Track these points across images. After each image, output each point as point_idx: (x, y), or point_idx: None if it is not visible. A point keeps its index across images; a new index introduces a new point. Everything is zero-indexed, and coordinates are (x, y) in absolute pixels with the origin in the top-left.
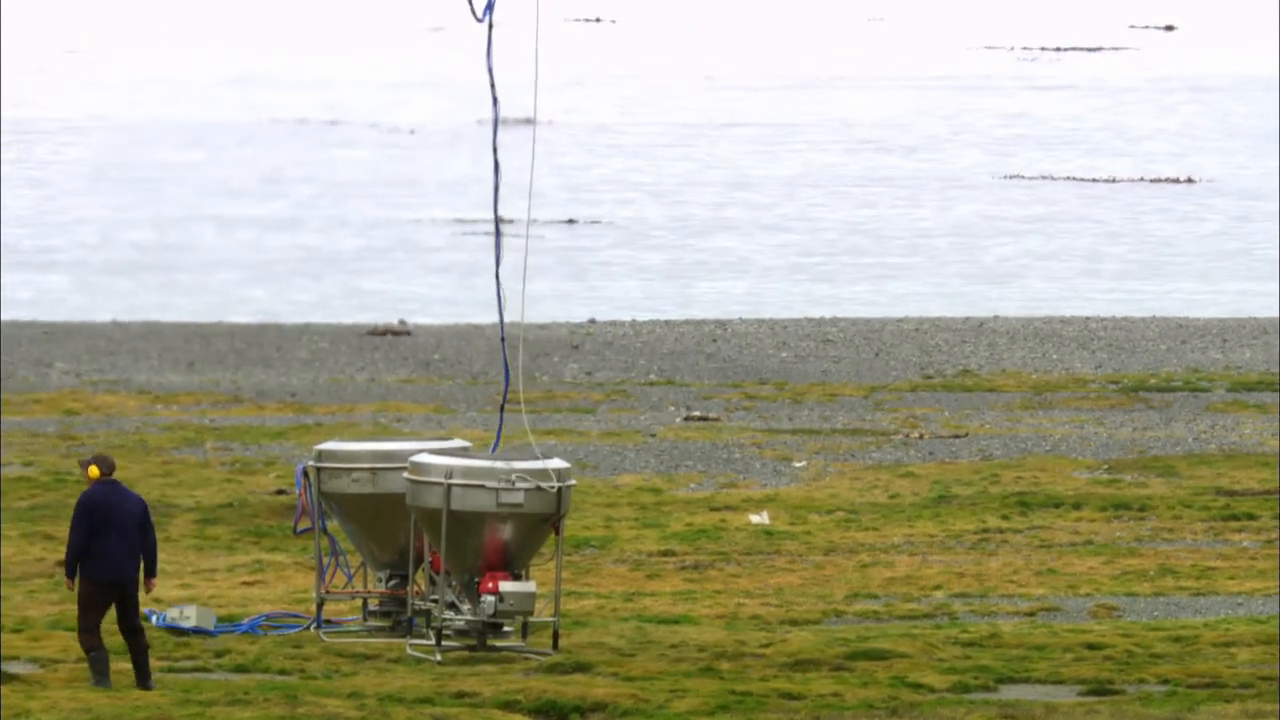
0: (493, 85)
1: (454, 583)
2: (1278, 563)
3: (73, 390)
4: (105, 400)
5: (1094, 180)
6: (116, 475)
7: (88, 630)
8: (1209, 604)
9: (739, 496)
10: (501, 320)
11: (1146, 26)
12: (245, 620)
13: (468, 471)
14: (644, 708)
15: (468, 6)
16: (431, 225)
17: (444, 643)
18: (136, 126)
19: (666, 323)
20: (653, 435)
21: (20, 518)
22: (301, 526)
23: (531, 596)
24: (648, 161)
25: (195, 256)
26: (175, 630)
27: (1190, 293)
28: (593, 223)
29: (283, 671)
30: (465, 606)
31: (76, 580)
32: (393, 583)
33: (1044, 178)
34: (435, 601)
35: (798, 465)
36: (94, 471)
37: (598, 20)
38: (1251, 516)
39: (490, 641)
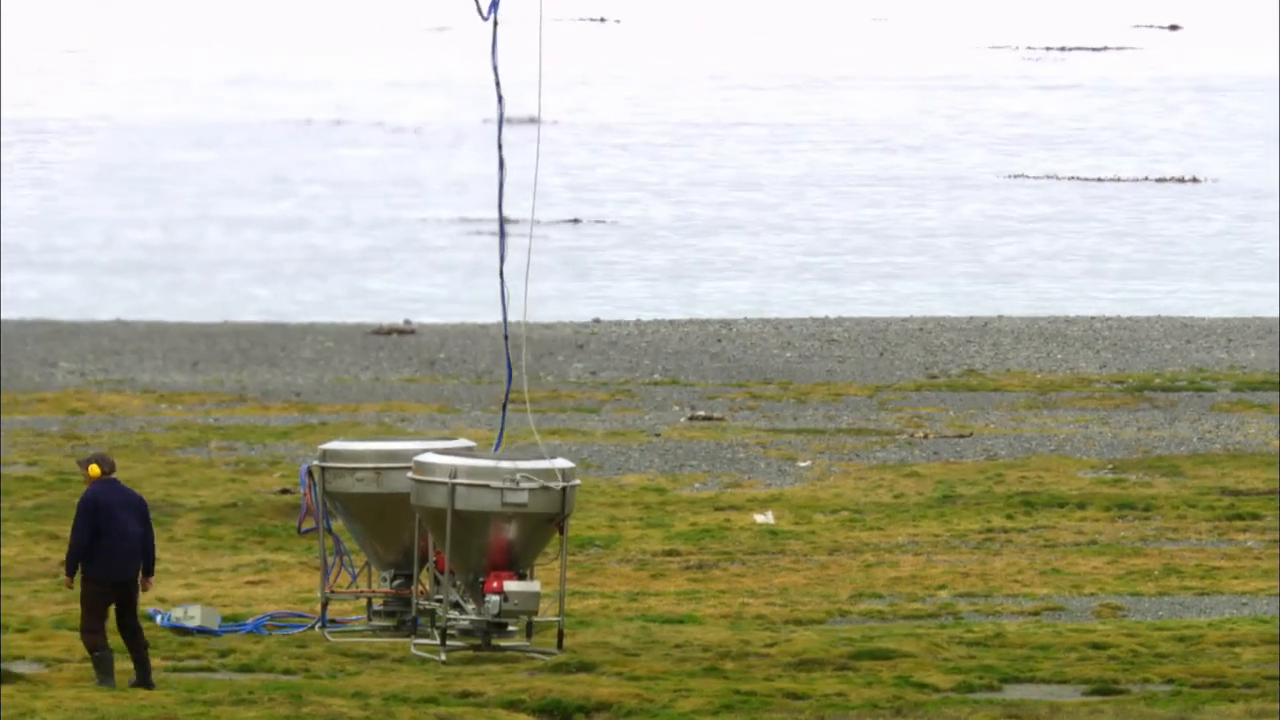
0: (498, 84)
1: (458, 582)
2: None
3: (77, 390)
4: (110, 400)
5: (1099, 180)
6: (118, 474)
7: (92, 630)
8: (1213, 604)
9: (743, 496)
10: (505, 320)
11: (1151, 26)
12: (250, 620)
13: (472, 471)
14: (648, 707)
15: (473, 5)
16: (436, 225)
17: (449, 642)
18: (140, 126)
19: (671, 322)
20: (657, 435)
21: (25, 517)
22: (306, 526)
23: (536, 596)
24: (652, 161)
25: (200, 256)
26: (180, 630)
27: (1195, 292)
28: (597, 222)
29: (287, 671)
30: (470, 606)
31: (77, 580)
32: (397, 582)
33: (1049, 177)
34: (440, 601)
35: (802, 465)
36: (94, 470)
37: (602, 20)
38: (1256, 516)
39: (495, 641)
